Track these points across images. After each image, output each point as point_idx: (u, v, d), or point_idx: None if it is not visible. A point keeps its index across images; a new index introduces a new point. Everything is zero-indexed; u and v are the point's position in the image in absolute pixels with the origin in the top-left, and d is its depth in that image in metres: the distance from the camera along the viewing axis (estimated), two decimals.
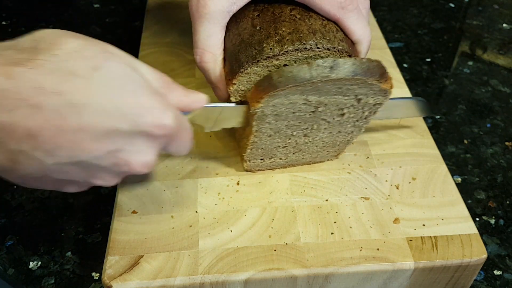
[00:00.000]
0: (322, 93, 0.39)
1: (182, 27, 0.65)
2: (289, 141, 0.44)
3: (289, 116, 0.41)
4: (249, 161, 0.46)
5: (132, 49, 0.69)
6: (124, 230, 0.42)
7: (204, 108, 0.40)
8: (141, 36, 0.64)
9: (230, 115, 0.43)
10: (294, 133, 0.43)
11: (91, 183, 0.34)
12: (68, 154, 0.30)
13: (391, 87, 0.39)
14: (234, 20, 0.42)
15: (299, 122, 0.42)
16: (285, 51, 0.39)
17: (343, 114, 0.42)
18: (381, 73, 0.38)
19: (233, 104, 0.43)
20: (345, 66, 0.37)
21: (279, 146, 0.44)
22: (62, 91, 0.29)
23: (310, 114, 0.41)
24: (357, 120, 0.43)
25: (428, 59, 0.72)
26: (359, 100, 0.41)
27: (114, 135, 0.31)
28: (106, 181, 0.34)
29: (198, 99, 0.39)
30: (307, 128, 0.43)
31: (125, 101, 0.31)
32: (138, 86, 0.32)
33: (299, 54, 0.39)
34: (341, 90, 0.39)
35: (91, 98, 0.30)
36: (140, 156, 0.33)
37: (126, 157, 0.33)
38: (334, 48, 0.40)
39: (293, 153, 0.46)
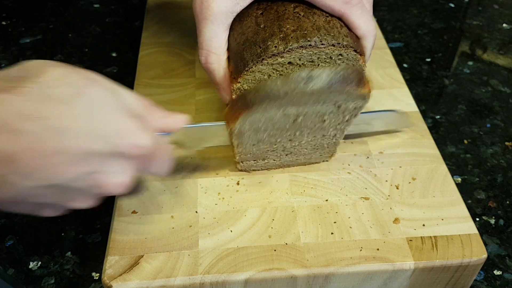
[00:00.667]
0: (300, 104, 0.39)
1: (182, 27, 0.65)
2: (276, 146, 0.44)
3: (268, 128, 0.41)
4: (241, 162, 0.46)
5: (132, 49, 0.69)
6: (124, 230, 0.42)
7: (185, 128, 0.41)
8: (141, 36, 0.64)
9: (212, 134, 0.44)
10: (278, 139, 0.43)
11: (68, 206, 0.35)
12: (46, 177, 0.31)
13: (370, 90, 0.39)
14: (238, 19, 0.43)
15: (281, 132, 0.42)
16: (290, 49, 0.39)
17: (324, 121, 0.42)
18: (358, 79, 0.38)
19: (213, 123, 0.44)
20: (321, 78, 0.36)
21: (268, 151, 0.45)
22: (44, 116, 0.30)
23: (290, 125, 0.41)
24: (338, 124, 0.43)
25: (428, 59, 0.72)
26: (338, 106, 0.41)
27: (91, 157, 0.32)
28: (82, 203, 0.35)
29: (178, 120, 0.40)
30: (290, 134, 0.43)
31: (103, 124, 0.32)
32: (117, 110, 0.34)
33: (303, 51, 0.39)
34: (319, 99, 0.39)
35: (71, 122, 0.31)
36: (116, 177, 0.34)
37: (102, 178, 0.34)
38: (339, 43, 0.40)
39: (286, 155, 0.46)
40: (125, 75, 0.66)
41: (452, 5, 0.84)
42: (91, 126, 0.32)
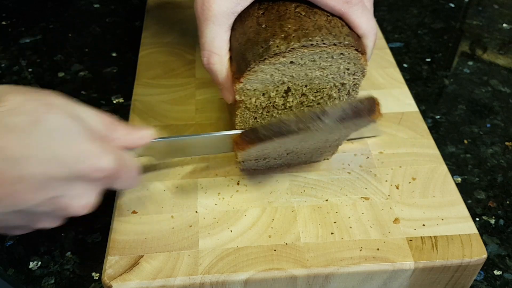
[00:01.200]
0: (309, 137, 0.40)
1: (182, 27, 0.65)
2: (279, 150, 0.45)
3: (275, 146, 0.42)
4: (242, 162, 0.46)
5: (132, 49, 0.69)
6: (124, 230, 0.42)
7: (151, 142, 0.42)
8: (141, 36, 0.64)
9: (180, 146, 0.44)
10: (283, 148, 0.44)
11: (35, 227, 0.36)
12: (9, 204, 0.32)
13: (381, 115, 0.39)
14: (239, 20, 0.43)
15: (286, 145, 0.43)
16: (291, 48, 0.39)
17: (327, 139, 0.43)
18: (370, 109, 0.38)
19: (180, 137, 0.44)
20: (334, 113, 0.37)
21: (270, 152, 0.45)
22: (2, 146, 0.31)
23: (296, 143, 0.42)
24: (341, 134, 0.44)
25: (428, 59, 0.72)
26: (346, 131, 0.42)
27: (52, 182, 0.33)
28: (48, 224, 0.36)
29: (142, 136, 0.41)
30: (294, 145, 0.44)
31: (62, 150, 0.33)
32: (77, 133, 0.34)
33: (305, 50, 0.39)
34: (331, 131, 0.39)
35: (28, 150, 0.32)
36: (80, 200, 0.35)
37: (66, 201, 0.35)
38: (341, 43, 0.40)
39: (287, 154, 0.46)
40: (125, 75, 0.66)
41: (452, 5, 0.84)
42: (49, 152, 0.32)
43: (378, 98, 0.38)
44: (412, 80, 0.68)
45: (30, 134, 0.32)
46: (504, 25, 0.79)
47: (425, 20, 0.80)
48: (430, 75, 0.69)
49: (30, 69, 0.67)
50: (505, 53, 0.73)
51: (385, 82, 0.57)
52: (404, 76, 0.59)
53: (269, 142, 0.38)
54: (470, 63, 0.71)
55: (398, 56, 0.71)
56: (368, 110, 0.37)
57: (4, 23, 0.76)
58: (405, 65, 0.70)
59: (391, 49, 0.63)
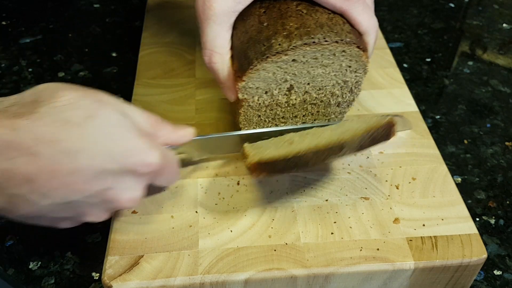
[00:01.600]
0: None
1: (182, 27, 0.65)
2: None
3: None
4: None
5: (132, 49, 0.69)
6: (124, 230, 0.42)
7: (192, 140, 0.43)
8: (141, 36, 0.64)
9: (217, 144, 0.46)
10: None
11: (83, 219, 0.38)
12: (62, 195, 0.34)
13: (394, 136, 0.40)
14: (241, 18, 0.43)
15: None
16: (293, 46, 0.39)
17: None
18: (387, 134, 0.38)
19: (220, 134, 0.46)
20: (353, 144, 0.37)
21: None
22: (58, 139, 0.33)
23: None
24: None
25: (428, 59, 0.72)
26: None
27: (104, 175, 0.34)
28: (96, 217, 0.38)
29: (185, 133, 0.43)
30: None
31: (114, 145, 0.35)
32: (127, 130, 0.36)
33: (307, 48, 0.39)
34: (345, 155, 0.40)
35: (83, 144, 0.33)
36: (128, 193, 0.37)
37: (115, 194, 0.36)
38: (342, 40, 0.40)
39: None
40: (125, 75, 0.66)
41: (452, 5, 0.84)
42: (102, 146, 0.34)
43: (393, 117, 0.39)
44: (412, 80, 0.68)
45: (85, 128, 0.34)
46: (504, 25, 0.79)
47: (425, 20, 0.80)
48: (430, 75, 0.69)
49: (30, 69, 0.67)
50: (505, 53, 0.73)
51: (385, 82, 0.57)
52: (404, 76, 0.59)
53: (285, 172, 0.38)
54: (470, 63, 0.71)
55: (398, 56, 0.71)
56: (385, 135, 0.38)
57: (4, 23, 0.76)
58: (405, 65, 0.70)
59: (391, 49, 0.63)
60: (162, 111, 0.53)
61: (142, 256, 0.40)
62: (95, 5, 0.81)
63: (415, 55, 0.72)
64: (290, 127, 0.46)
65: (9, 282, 0.44)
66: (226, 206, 0.44)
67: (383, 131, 0.38)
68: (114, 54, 0.71)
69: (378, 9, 0.81)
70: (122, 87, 0.65)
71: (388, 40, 0.74)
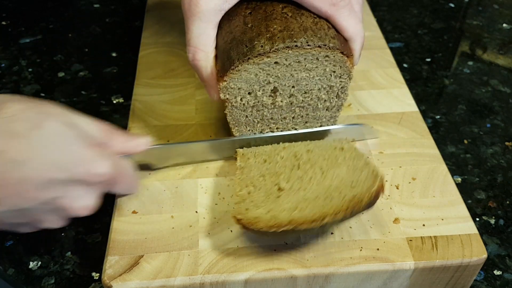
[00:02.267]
0: None
1: (182, 27, 0.64)
2: None
3: None
4: None
5: (132, 49, 0.69)
6: (124, 230, 0.42)
7: (148, 149, 0.44)
8: (141, 36, 0.64)
9: (176, 153, 0.46)
10: None
11: (40, 226, 0.38)
12: (14, 203, 0.35)
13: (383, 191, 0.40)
14: (227, 18, 0.43)
15: None
16: (276, 49, 0.39)
17: None
18: (373, 203, 0.38)
19: (176, 144, 0.46)
20: (340, 220, 0.38)
21: None
22: (3, 150, 0.33)
23: None
24: None
25: (428, 59, 0.72)
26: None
27: (52, 184, 0.35)
28: (52, 223, 0.39)
29: (139, 143, 0.43)
30: None
31: (60, 155, 0.35)
32: (73, 140, 0.36)
33: (290, 51, 0.39)
34: None
35: (29, 154, 0.34)
36: (80, 201, 0.38)
37: (67, 202, 0.37)
38: (325, 45, 0.40)
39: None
40: (125, 75, 0.66)
41: (452, 5, 0.84)
42: (48, 157, 0.35)
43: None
44: (412, 80, 0.68)
45: (30, 139, 0.34)
46: (504, 25, 0.79)
47: (425, 20, 0.80)
48: (430, 75, 0.69)
49: (30, 69, 0.67)
50: (505, 53, 0.73)
51: (385, 82, 0.57)
52: (404, 76, 0.59)
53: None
54: (470, 63, 0.71)
55: (398, 56, 0.71)
56: (372, 204, 0.38)
57: (4, 23, 0.76)
58: (405, 65, 0.70)
59: (391, 49, 0.63)
60: (162, 111, 0.53)
61: (142, 256, 0.40)
62: (95, 5, 0.81)
63: (415, 55, 0.72)
64: (269, 135, 0.47)
65: (9, 282, 0.44)
66: (226, 206, 0.44)
67: (369, 203, 0.38)
68: (114, 54, 0.71)
69: (378, 9, 0.81)
70: (122, 87, 0.65)
71: (388, 40, 0.74)
